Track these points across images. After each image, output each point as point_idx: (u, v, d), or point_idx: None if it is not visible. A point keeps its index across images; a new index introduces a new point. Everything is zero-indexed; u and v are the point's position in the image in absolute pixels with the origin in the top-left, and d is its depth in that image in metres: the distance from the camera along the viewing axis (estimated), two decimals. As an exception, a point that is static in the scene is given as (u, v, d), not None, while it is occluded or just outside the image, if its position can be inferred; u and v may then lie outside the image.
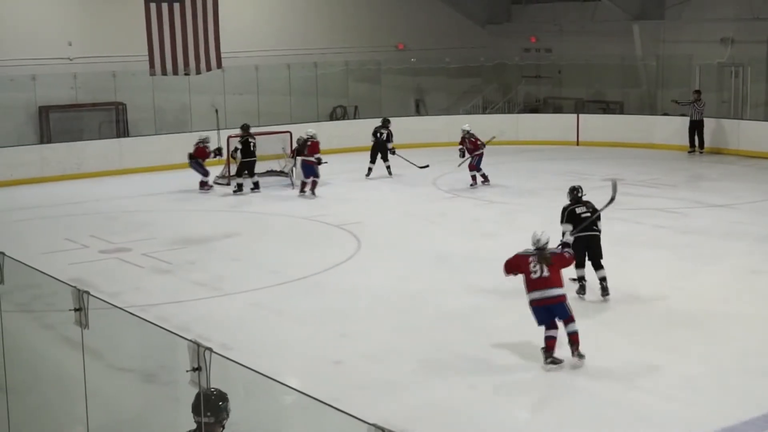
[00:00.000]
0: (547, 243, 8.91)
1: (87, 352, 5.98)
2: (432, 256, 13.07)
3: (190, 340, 4.70)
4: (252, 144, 18.05)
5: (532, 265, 8.73)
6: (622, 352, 9.13)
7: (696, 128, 21.74)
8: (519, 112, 26.56)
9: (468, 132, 17.96)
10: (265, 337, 9.84)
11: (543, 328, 8.72)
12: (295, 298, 11.24)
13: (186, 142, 19.39)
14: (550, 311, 8.69)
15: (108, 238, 14.43)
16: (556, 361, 8.60)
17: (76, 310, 5.74)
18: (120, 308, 6.89)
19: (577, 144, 24.04)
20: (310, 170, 17.60)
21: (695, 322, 10.01)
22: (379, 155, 19.42)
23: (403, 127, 18.33)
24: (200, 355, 4.66)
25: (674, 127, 22.59)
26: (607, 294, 10.71)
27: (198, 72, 20.39)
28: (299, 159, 17.94)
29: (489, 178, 18.07)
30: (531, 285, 8.76)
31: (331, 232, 14.77)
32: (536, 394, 8.35)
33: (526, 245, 9.02)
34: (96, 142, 21.44)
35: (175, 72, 20.09)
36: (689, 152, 21.87)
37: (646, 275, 11.85)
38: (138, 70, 20.93)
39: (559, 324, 8.74)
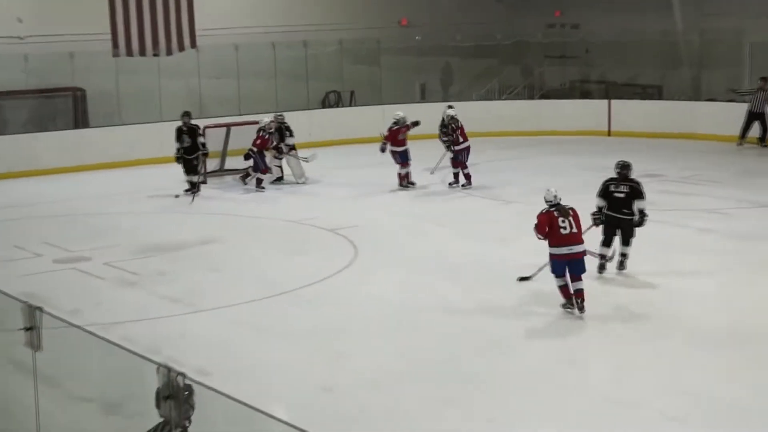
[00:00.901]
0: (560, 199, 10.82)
1: (40, 378, 6.00)
2: (438, 264, 13.08)
3: (161, 364, 4.73)
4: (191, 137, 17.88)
5: (560, 221, 10.54)
6: (657, 372, 9.13)
7: (757, 119, 21.72)
8: (541, 98, 26.60)
9: (453, 118, 17.84)
10: (248, 360, 9.85)
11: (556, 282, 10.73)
12: (282, 315, 11.25)
13: (155, 134, 19.41)
14: (570, 265, 10.58)
15: (64, 246, 14.44)
16: (569, 307, 10.64)
17: (27, 329, 5.77)
18: (78, 327, 6.91)
19: (609, 134, 24.07)
20: (405, 156, 17.89)
21: (744, 342, 10.01)
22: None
23: (405, 116, 18.29)
24: (172, 382, 4.69)
25: (721, 115, 22.62)
26: (624, 269, 12.00)
27: (169, 53, 20.45)
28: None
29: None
30: (559, 240, 10.55)
31: (324, 237, 14.79)
32: (562, 423, 8.36)
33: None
34: (50, 134, 21.48)
35: (143, 53, 20.16)
36: (738, 144, 21.88)
37: (688, 285, 11.86)
38: (99, 51, 20.97)
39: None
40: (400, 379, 9.19)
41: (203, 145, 18.13)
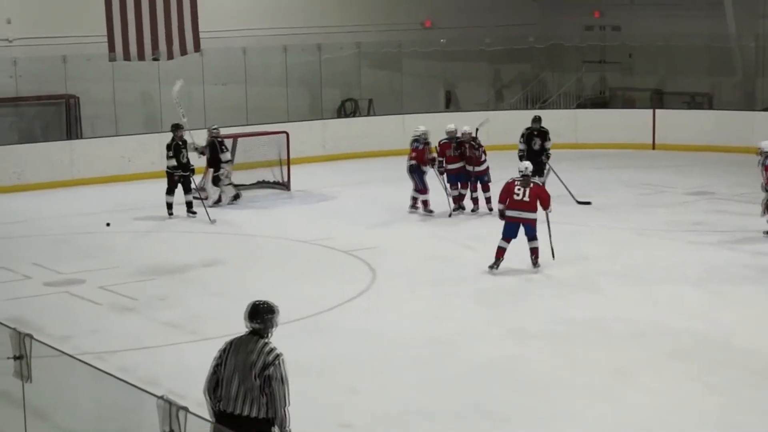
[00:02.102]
0: (532, 173, 13.96)
1: (29, 411, 6.04)
2: (465, 290, 13.08)
3: (160, 397, 4.76)
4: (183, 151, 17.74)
5: (517, 188, 13.65)
6: (710, 416, 9.09)
7: None
8: (578, 107, 26.60)
9: (470, 135, 17.33)
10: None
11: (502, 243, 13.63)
12: (293, 344, 11.21)
13: (154, 145, 19.46)
14: (524, 228, 13.65)
15: (55, 267, 14.52)
16: (495, 267, 13.67)
17: (15, 358, 5.80)
18: (70, 356, 6.95)
19: (653, 148, 24.03)
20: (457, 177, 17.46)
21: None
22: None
23: (429, 126, 18.26)
24: (173, 416, 4.71)
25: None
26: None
27: (170, 57, 20.57)
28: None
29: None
30: (512, 204, 13.68)
31: (339, 259, 14.82)
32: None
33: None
34: (41, 146, 21.62)
35: (141, 57, 20.28)
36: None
37: (743, 318, 11.80)
38: (94, 54, 21.12)
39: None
40: (422, 416, 9.18)
41: (221, 158, 18.17)
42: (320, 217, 17.69)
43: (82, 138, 22.53)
